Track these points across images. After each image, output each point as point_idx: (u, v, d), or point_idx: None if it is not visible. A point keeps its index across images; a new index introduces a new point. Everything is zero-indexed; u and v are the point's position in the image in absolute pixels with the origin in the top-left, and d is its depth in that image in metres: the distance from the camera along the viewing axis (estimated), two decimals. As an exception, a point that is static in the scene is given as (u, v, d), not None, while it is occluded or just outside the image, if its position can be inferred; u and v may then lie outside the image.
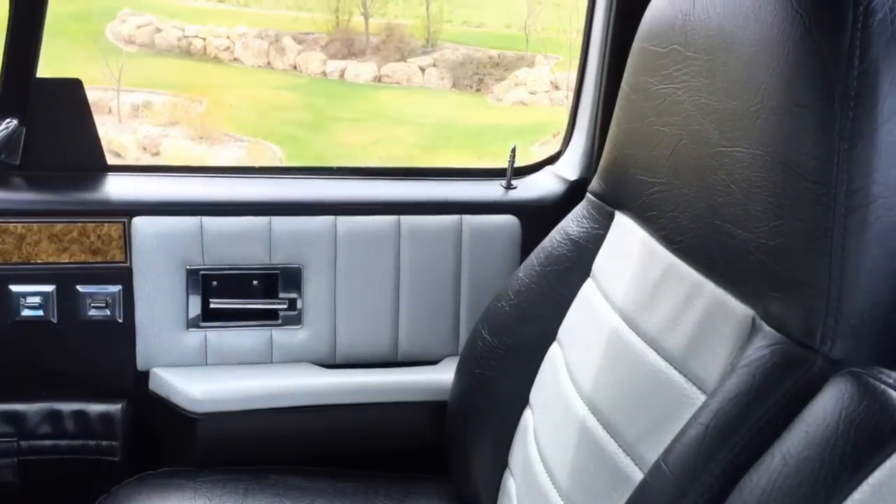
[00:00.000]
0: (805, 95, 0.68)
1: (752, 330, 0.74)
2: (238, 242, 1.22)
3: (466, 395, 1.13)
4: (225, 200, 1.23)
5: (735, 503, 0.63)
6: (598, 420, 0.89)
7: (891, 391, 0.59)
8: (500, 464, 1.07)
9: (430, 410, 1.27)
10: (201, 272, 1.22)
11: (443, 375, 1.26)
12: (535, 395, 1.05)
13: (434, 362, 1.32)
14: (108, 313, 1.21)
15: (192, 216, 1.20)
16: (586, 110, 1.34)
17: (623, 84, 0.99)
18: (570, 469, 0.90)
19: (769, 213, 0.72)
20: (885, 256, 0.66)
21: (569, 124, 1.38)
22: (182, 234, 1.21)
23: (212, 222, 1.21)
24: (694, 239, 0.83)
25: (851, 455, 0.57)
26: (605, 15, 1.26)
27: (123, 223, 1.20)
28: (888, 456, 0.55)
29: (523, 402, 1.06)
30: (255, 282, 1.24)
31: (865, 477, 0.56)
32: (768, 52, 0.71)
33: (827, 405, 0.62)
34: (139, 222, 1.20)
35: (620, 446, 0.84)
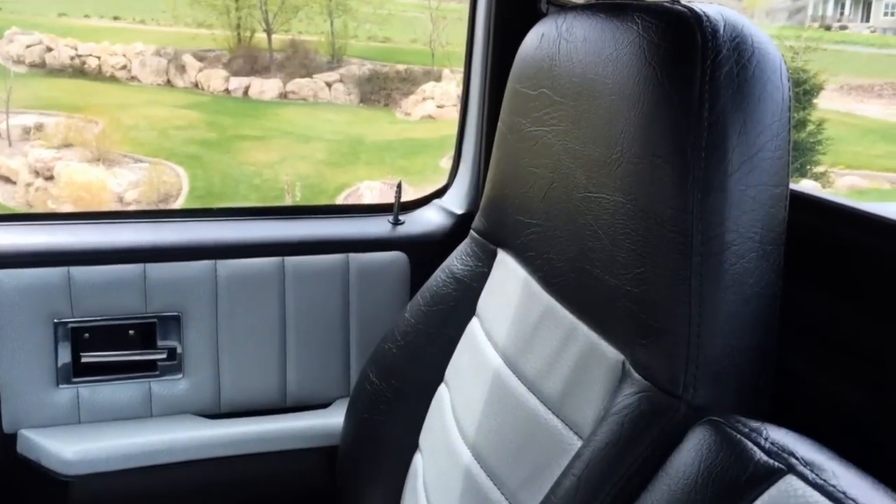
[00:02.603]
0: (660, 146, 0.69)
1: (623, 375, 0.74)
2: (110, 292, 1.16)
3: (356, 442, 1.11)
4: (94, 248, 1.17)
5: (604, 559, 0.63)
6: (481, 466, 0.88)
7: (746, 441, 0.60)
8: (393, 510, 1.05)
9: (322, 456, 1.24)
10: (70, 325, 1.16)
11: (334, 419, 1.23)
12: (424, 438, 1.04)
13: (325, 405, 1.29)
14: None
15: (58, 266, 1.14)
16: (470, 145, 1.33)
17: (500, 123, 0.99)
18: (455, 517, 0.89)
19: (633, 261, 0.72)
20: (740, 302, 0.68)
21: (454, 158, 1.37)
22: (48, 287, 1.14)
23: (80, 272, 1.15)
24: (568, 282, 0.83)
25: (710, 509, 0.58)
26: (483, 51, 1.27)
27: None
28: (744, 508, 0.56)
29: (413, 446, 1.05)
30: (130, 332, 1.19)
31: (724, 530, 0.56)
32: (627, 101, 0.72)
33: (687, 457, 0.62)
34: (1, 276, 1.13)
35: (503, 494, 0.84)
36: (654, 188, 0.70)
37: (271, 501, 1.25)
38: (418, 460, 1.04)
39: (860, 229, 0.78)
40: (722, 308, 0.67)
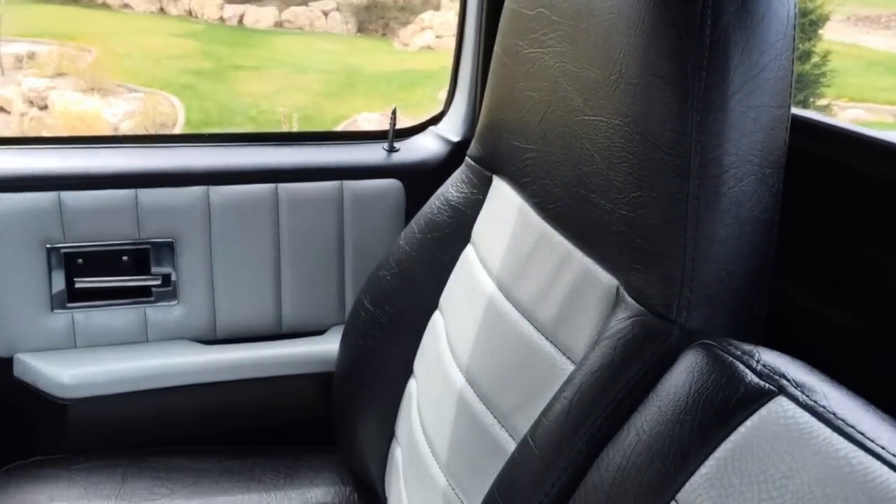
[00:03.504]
0: (660, 65, 0.67)
1: (617, 300, 0.74)
2: (102, 217, 1.15)
3: (351, 367, 1.12)
4: (85, 173, 1.15)
5: (593, 479, 0.64)
6: (474, 391, 0.89)
7: (737, 363, 0.60)
8: (388, 434, 1.06)
9: (317, 382, 1.25)
10: (63, 250, 1.15)
11: (329, 346, 1.24)
12: (419, 364, 1.04)
13: (320, 332, 1.29)
14: None
15: (48, 191, 1.13)
16: (467, 70, 1.31)
17: (496, 46, 0.97)
18: (448, 440, 0.90)
19: (629, 185, 0.71)
20: (738, 226, 0.67)
21: (451, 84, 1.34)
22: (39, 211, 1.13)
23: (71, 197, 1.14)
24: (564, 207, 0.82)
25: (699, 430, 0.58)
26: None
27: None
28: (733, 429, 0.56)
29: (408, 371, 1.05)
30: (124, 258, 1.18)
31: (712, 451, 0.57)
32: (626, 19, 0.70)
33: (678, 379, 0.62)
34: None
35: (496, 418, 0.84)
36: (653, 109, 0.68)
37: (266, 427, 1.26)
38: (412, 385, 1.04)
39: (860, 153, 0.77)
40: (718, 232, 0.67)
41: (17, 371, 1.17)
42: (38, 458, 1.14)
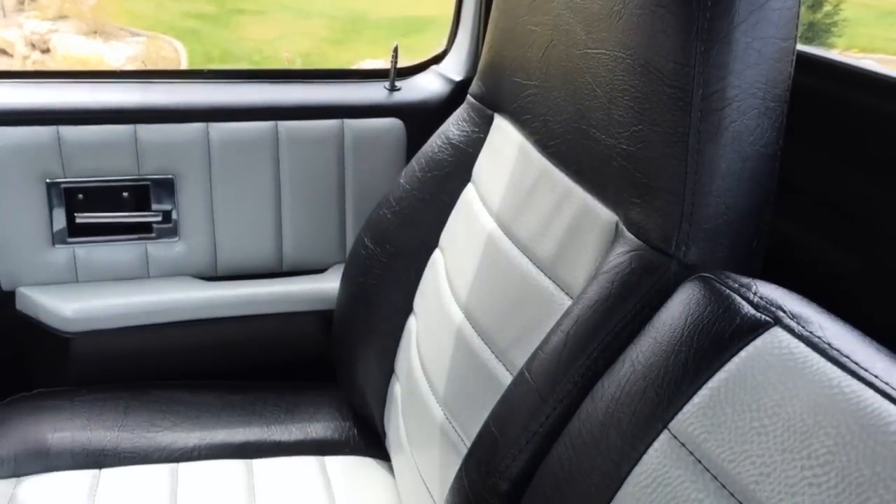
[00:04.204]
0: None
1: (616, 236, 0.74)
2: (101, 153, 1.15)
3: (352, 305, 1.12)
4: (83, 108, 1.14)
5: (587, 409, 0.64)
6: (473, 327, 0.89)
7: (734, 295, 0.60)
8: (387, 371, 1.07)
9: (318, 320, 1.26)
10: (63, 185, 1.15)
11: (329, 284, 1.24)
12: (418, 302, 1.05)
13: (321, 270, 1.29)
14: None
15: (47, 125, 1.12)
16: (469, 8, 1.28)
17: None
18: (446, 375, 0.91)
19: (630, 118, 0.70)
20: (739, 160, 0.66)
21: (453, 22, 1.32)
22: (38, 145, 1.12)
23: (70, 132, 1.13)
24: (564, 144, 0.82)
25: (693, 360, 0.58)
26: None
27: None
28: (727, 360, 0.57)
29: (408, 309, 1.06)
30: (124, 194, 1.18)
31: (706, 381, 0.57)
32: None
33: (675, 311, 0.62)
34: None
35: (493, 353, 0.85)
36: (656, 41, 0.67)
37: (267, 363, 1.27)
38: (412, 323, 1.05)
39: (864, 89, 0.76)
40: (719, 166, 0.66)
41: (20, 304, 1.18)
42: (41, 390, 1.15)
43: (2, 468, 1.00)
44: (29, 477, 1.00)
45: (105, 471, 1.01)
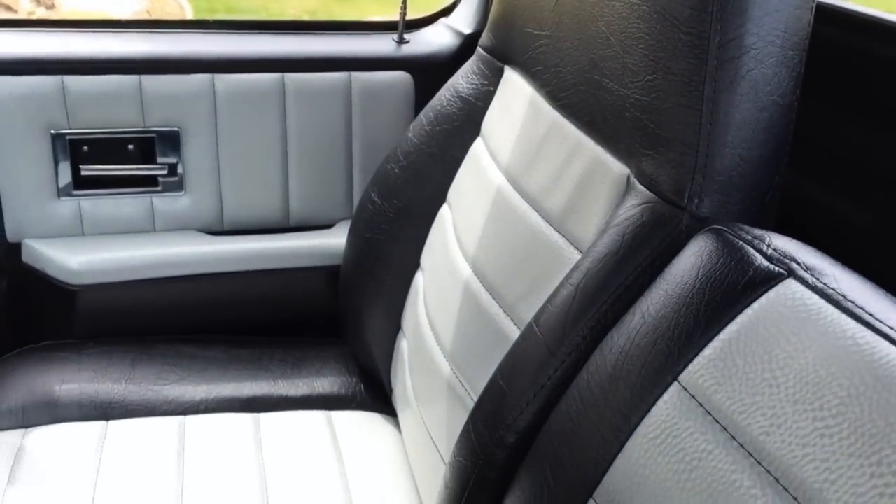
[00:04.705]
0: None
1: (627, 189, 0.73)
2: (106, 103, 1.13)
3: (359, 260, 1.12)
4: (88, 57, 1.12)
5: (596, 362, 0.64)
6: (481, 282, 0.88)
7: (747, 247, 0.59)
8: (394, 327, 1.07)
9: (325, 275, 1.25)
10: (68, 137, 1.14)
11: (336, 239, 1.23)
12: (426, 257, 1.04)
13: (328, 226, 1.28)
14: None
15: (51, 75, 1.10)
16: (479, -42, 1.26)
17: None
18: (454, 330, 0.91)
19: (644, 67, 0.69)
20: (755, 110, 0.65)
21: (463, -26, 1.30)
22: (42, 96, 1.11)
23: (74, 82, 1.11)
24: (576, 95, 0.80)
25: (705, 312, 0.57)
26: None
27: None
28: (739, 312, 0.56)
29: (415, 265, 1.05)
30: (129, 146, 1.17)
31: (717, 333, 0.56)
32: None
33: (687, 263, 0.61)
34: None
35: (501, 307, 0.84)
36: None
37: (274, 319, 1.27)
38: (419, 279, 1.04)
39: (883, 40, 0.74)
40: (734, 116, 0.64)
41: (26, 257, 1.17)
42: (49, 342, 1.15)
43: (10, 419, 1.01)
44: (37, 428, 1.00)
45: (112, 423, 1.02)
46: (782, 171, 0.68)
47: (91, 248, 1.17)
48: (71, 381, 1.06)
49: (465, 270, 0.92)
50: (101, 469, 0.94)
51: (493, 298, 0.86)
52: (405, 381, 1.02)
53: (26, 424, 1.00)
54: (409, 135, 1.07)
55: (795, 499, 0.47)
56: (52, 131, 1.13)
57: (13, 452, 0.96)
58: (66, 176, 1.16)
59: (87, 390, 1.05)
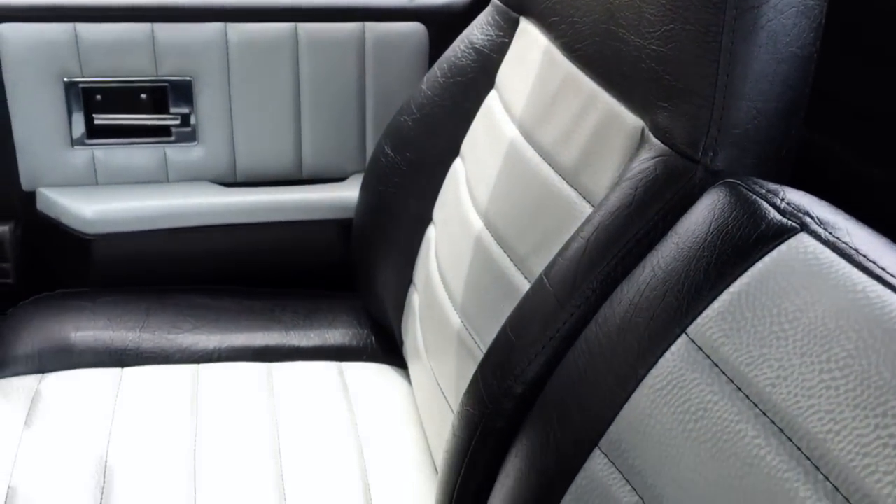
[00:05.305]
0: None
1: (641, 142, 0.72)
2: (119, 52, 1.13)
3: (371, 214, 1.12)
4: (100, 4, 1.12)
5: (605, 314, 0.64)
6: (492, 235, 0.88)
7: (761, 201, 0.58)
8: (406, 280, 1.07)
9: (337, 228, 1.25)
10: (81, 85, 1.14)
11: (349, 192, 1.23)
12: (438, 211, 1.04)
13: (340, 179, 1.28)
14: None
15: (63, 22, 1.10)
16: None
17: None
18: (464, 283, 0.91)
19: (662, 17, 0.68)
20: (774, 62, 0.64)
21: (479, -80, 1.27)
22: (55, 43, 1.11)
23: (86, 29, 1.11)
24: (591, 46, 0.79)
25: (716, 265, 0.57)
26: None
27: None
28: (751, 265, 0.55)
29: (427, 218, 1.05)
30: (142, 96, 1.16)
31: (727, 286, 0.56)
32: None
33: (699, 216, 0.61)
34: (6, 29, 1.10)
35: (512, 261, 0.84)
36: None
37: (286, 271, 1.28)
38: (431, 232, 1.04)
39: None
40: (752, 68, 0.63)
41: (41, 205, 1.18)
42: (64, 290, 1.17)
43: (26, 364, 1.02)
44: (52, 373, 1.02)
45: (127, 369, 1.03)
46: (799, 124, 0.67)
47: (105, 197, 1.18)
48: (86, 328, 1.07)
49: (477, 224, 0.91)
50: (117, 414, 0.96)
51: (504, 252, 0.86)
52: (416, 333, 1.02)
53: (42, 370, 1.02)
54: (423, 87, 1.06)
55: (799, 448, 0.47)
56: (66, 79, 1.13)
57: (30, 397, 0.98)
58: (79, 125, 1.16)
59: (101, 338, 1.06)
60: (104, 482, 0.87)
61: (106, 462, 0.90)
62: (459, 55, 1.03)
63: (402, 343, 1.10)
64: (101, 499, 0.85)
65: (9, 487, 0.85)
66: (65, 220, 1.17)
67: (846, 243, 0.52)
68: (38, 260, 1.22)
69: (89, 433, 0.93)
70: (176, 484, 0.88)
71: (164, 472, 0.89)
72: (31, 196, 1.18)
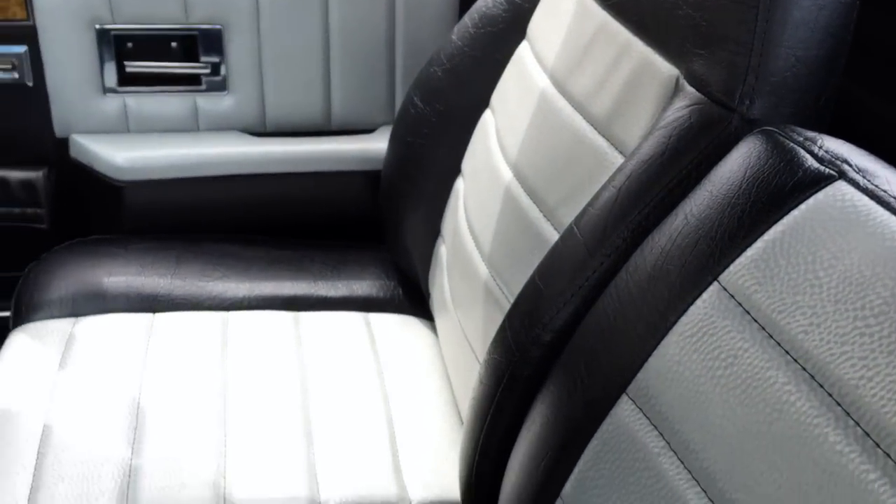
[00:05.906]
0: None
1: (675, 90, 0.71)
2: None
3: (400, 165, 1.11)
4: None
5: (635, 262, 0.64)
6: (521, 186, 0.88)
7: (798, 149, 0.57)
8: (433, 231, 1.07)
9: (365, 180, 1.26)
10: (113, 32, 1.14)
11: (378, 144, 1.23)
12: (467, 163, 1.04)
13: (369, 130, 1.28)
14: (17, 76, 1.14)
15: None
16: None
17: None
18: (493, 234, 0.91)
19: None
20: (815, 8, 0.62)
21: None
22: None
23: None
24: None
25: (750, 213, 0.56)
26: None
27: None
28: (786, 213, 0.55)
29: (455, 170, 1.05)
30: (173, 44, 1.17)
31: (762, 234, 0.55)
32: None
33: (734, 164, 0.60)
34: None
35: (542, 211, 0.84)
36: None
37: (315, 222, 1.28)
38: (459, 184, 1.04)
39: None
40: (792, 14, 0.62)
41: (74, 152, 1.19)
42: (97, 236, 1.18)
43: (60, 307, 1.04)
44: (86, 317, 1.04)
45: (159, 315, 1.05)
46: (838, 73, 0.66)
47: (136, 145, 1.19)
48: (118, 273, 1.09)
49: (507, 175, 0.91)
50: (149, 358, 0.98)
51: (534, 202, 0.86)
52: (443, 285, 1.03)
53: (77, 313, 1.04)
54: (453, 37, 1.05)
55: (830, 395, 0.47)
56: (97, 26, 1.13)
57: (64, 339, 1.00)
58: (111, 72, 1.16)
59: (133, 283, 1.08)
60: (136, 423, 0.89)
61: (138, 403, 0.91)
62: (491, 5, 1.01)
63: (428, 295, 1.10)
64: (134, 440, 0.87)
65: (44, 426, 0.87)
66: (97, 167, 1.18)
67: (885, 191, 0.51)
68: (72, 206, 1.24)
69: (122, 376, 0.95)
70: (206, 426, 0.90)
71: (194, 414, 0.91)
72: (64, 143, 1.19)
